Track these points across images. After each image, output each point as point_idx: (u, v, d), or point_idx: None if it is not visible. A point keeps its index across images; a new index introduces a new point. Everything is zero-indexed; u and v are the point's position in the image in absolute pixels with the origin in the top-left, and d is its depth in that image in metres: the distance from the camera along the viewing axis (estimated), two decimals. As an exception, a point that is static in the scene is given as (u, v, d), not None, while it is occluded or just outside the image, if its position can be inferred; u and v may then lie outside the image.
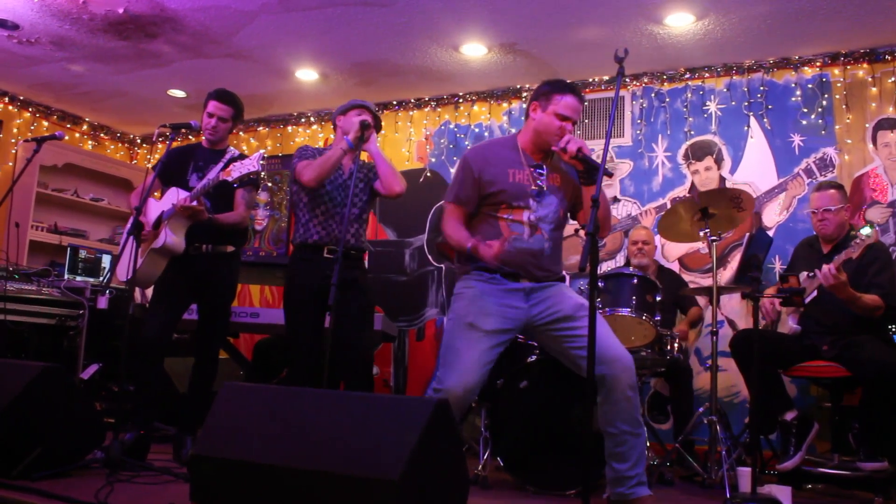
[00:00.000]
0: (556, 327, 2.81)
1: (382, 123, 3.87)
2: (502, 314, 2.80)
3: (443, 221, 2.96)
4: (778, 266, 4.77)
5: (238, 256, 3.97)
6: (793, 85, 4.99)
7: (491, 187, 2.85)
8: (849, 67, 4.89)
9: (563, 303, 2.82)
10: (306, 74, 5.70)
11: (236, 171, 3.39)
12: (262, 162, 3.40)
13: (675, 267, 5.05)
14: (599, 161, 2.51)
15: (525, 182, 2.86)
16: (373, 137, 3.59)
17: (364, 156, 3.66)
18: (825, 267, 3.54)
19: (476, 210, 2.90)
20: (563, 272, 3.04)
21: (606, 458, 2.82)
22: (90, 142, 7.03)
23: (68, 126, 6.80)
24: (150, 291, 3.93)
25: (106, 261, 5.85)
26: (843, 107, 4.85)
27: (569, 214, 3.02)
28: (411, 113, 6.18)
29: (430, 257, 5.88)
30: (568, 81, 2.91)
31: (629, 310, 3.75)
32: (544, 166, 2.91)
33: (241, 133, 6.84)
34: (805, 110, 4.93)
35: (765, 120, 5.04)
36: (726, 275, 4.91)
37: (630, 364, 2.71)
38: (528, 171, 2.88)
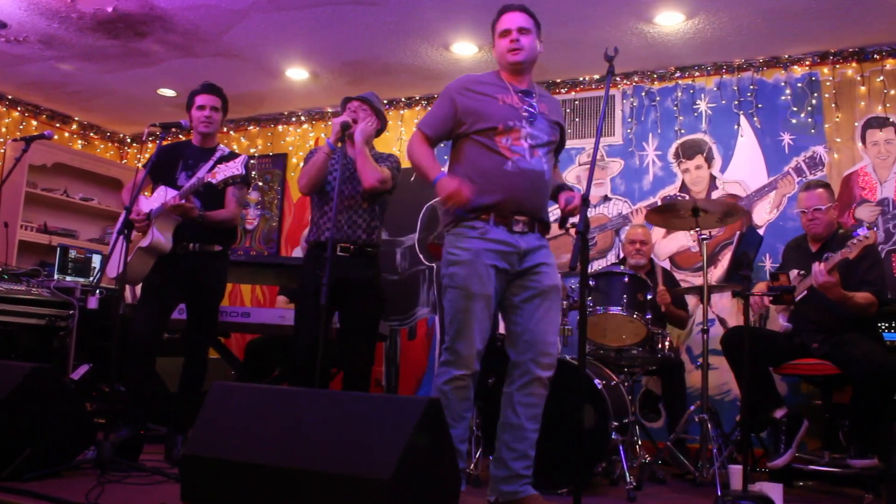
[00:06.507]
0: (523, 297, 2.80)
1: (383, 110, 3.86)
2: (498, 276, 2.77)
3: (411, 146, 2.89)
4: (768, 264, 4.78)
5: (226, 256, 3.96)
6: (782, 84, 5.01)
7: (477, 115, 2.82)
8: (838, 66, 4.91)
9: (546, 278, 2.81)
10: (297, 73, 5.68)
11: (221, 173, 3.43)
12: (249, 163, 3.42)
13: (667, 265, 5.06)
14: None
15: (516, 105, 2.84)
16: (357, 129, 3.61)
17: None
18: (816, 266, 3.55)
19: (462, 139, 2.86)
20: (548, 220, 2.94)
21: (498, 455, 2.79)
22: (80, 141, 7.00)
23: (57, 125, 6.77)
24: (139, 289, 3.91)
25: (96, 261, 5.82)
26: (833, 105, 4.87)
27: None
28: (402, 112, 6.17)
29: (421, 256, 5.88)
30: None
31: (620, 308, 3.76)
32: (532, 92, 2.91)
33: (231, 132, 6.81)
34: (795, 109, 4.95)
35: (755, 118, 5.06)
36: (717, 273, 4.93)
37: (548, 356, 2.76)
38: (516, 96, 2.86)
